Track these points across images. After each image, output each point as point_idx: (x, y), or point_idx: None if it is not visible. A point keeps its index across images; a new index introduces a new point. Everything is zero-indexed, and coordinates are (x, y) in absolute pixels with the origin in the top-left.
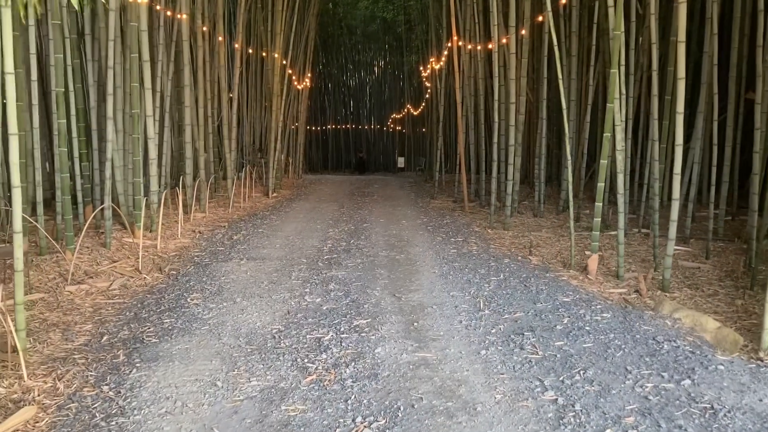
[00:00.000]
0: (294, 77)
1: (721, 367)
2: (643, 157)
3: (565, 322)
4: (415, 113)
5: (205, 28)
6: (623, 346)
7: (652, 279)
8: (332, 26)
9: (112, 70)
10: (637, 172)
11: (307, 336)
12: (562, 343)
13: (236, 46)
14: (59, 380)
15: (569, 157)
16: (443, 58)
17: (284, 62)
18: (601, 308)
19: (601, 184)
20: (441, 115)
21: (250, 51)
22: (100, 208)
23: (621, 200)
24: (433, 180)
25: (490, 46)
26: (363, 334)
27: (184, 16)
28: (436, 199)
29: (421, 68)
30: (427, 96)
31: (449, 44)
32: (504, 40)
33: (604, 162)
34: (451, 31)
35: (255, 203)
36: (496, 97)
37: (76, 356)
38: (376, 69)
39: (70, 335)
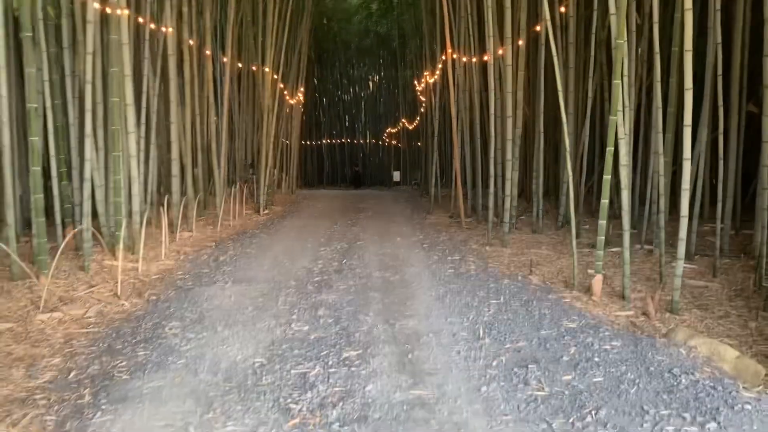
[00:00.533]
0: (286, 92)
1: (748, 407)
2: (644, 171)
3: (572, 352)
4: (410, 127)
5: (191, 42)
6: (637, 381)
7: (660, 300)
8: (327, 41)
9: (90, 85)
10: (638, 187)
11: (292, 371)
12: (569, 377)
13: (224, 60)
14: (13, 427)
15: (570, 172)
16: (437, 72)
17: (275, 77)
18: (609, 335)
19: (604, 201)
20: (436, 129)
21: (240, 65)
22: (77, 230)
23: (626, 218)
24: (428, 195)
25: (485, 57)
26: (353, 369)
27: (170, 29)
28: (432, 214)
29: (416, 82)
30: (422, 110)
31: (443, 57)
32: (500, 51)
33: (607, 177)
34: (445, 43)
35: (245, 221)
36: (491, 110)
37: (37, 397)
38: (370, 83)
39: (35, 371)
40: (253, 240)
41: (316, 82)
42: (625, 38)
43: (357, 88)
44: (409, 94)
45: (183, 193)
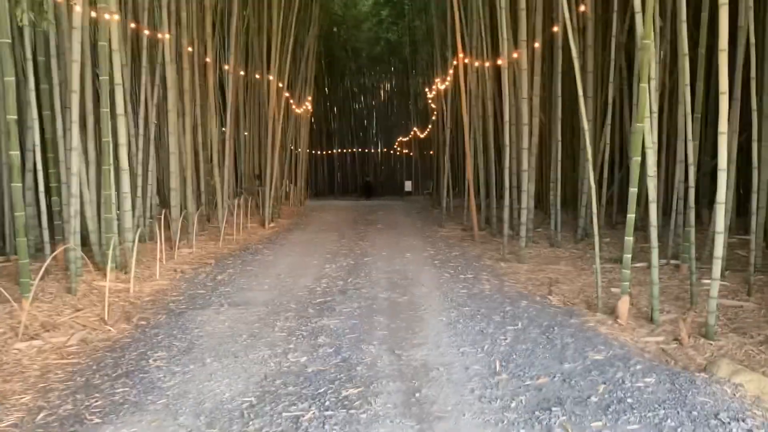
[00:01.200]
0: (292, 101)
1: None
2: (667, 181)
3: (601, 390)
4: (421, 136)
5: (190, 49)
6: (679, 430)
7: (692, 321)
8: (337, 49)
9: (77, 95)
10: (661, 197)
11: (284, 414)
12: (600, 423)
13: (226, 67)
14: None
15: (592, 184)
16: (449, 79)
17: (280, 85)
18: (641, 369)
19: (631, 216)
20: (448, 137)
21: (242, 73)
22: (61, 249)
23: (654, 234)
24: (440, 206)
25: (500, 62)
26: (352, 411)
27: (167, 36)
28: (443, 227)
29: (427, 90)
30: (433, 118)
31: (455, 62)
32: (515, 55)
33: (633, 190)
34: (456, 49)
35: (249, 235)
36: (506, 118)
37: None
38: (381, 92)
39: (1, 411)
40: (256, 256)
41: (327, 91)
42: (652, 38)
43: (368, 97)
44: (420, 103)
45: (184, 207)
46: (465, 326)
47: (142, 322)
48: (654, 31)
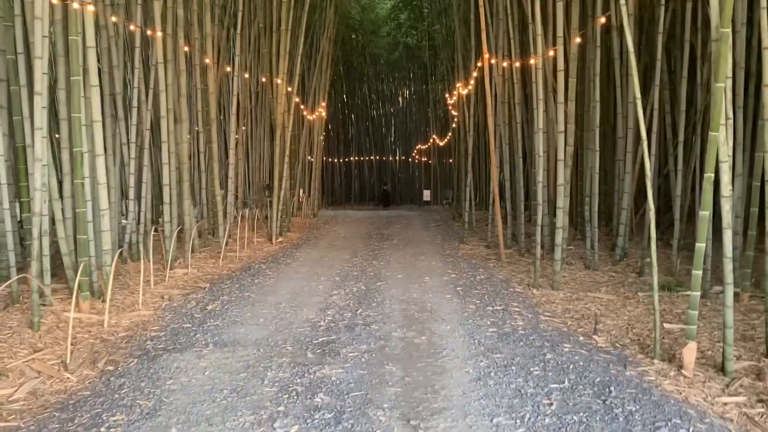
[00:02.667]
0: (303, 106)
1: None
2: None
3: None
4: (441, 144)
5: (186, 49)
6: None
7: None
8: (354, 54)
9: (42, 97)
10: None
11: None
12: None
13: (228, 69)
14: None
15: (651, 205)
16: (471, 83)
17: (289, 89)
18: None
19: (701, 245)
20: (470, 146)
21: (246, 76)
22: (18, 278)
23: (729, 267)
24: (461, 218)
25: (532, 61)
26: None
27: (159, 33)
28: (465, 243)
29: (447, 96)
30: (454, 125)
31: (480, 64)
32: (551, 53)
33: (705, 214)
34: (480, 50)
35: (255, 251)
36: (539, 125)
37: None
38: (400, 98)
39: None
40: (256, 279)
41: (345, 98)
42: (731, 27)
43: (386, 104)
44: (440, 109)
45: (181, 222)
46: (498, 383)
47: (110, 368)
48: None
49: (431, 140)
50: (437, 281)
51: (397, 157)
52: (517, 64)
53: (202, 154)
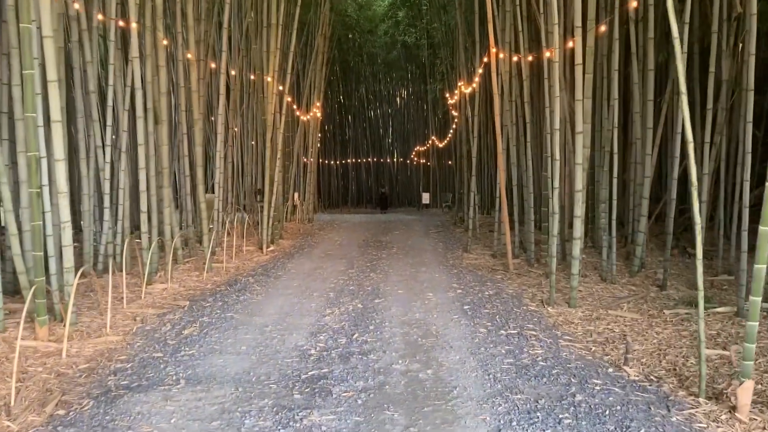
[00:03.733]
0: (296, 107)
1: None
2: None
3: None
4: (440, 145)
5: (165, 42)
6: None
7: None
8: (351, 54)
9: None
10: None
11: None
12: None
13: (213, 65)
14: None
15: (698, 216)
16: (476, 81)
17: (281, 87)
18: None
19: (761, 267)
20: (474, 146)
21: (234, 73)
22: None
23: None
24: (463, 224)
25: (547, 54)
26: None
27: (134, 25)
28: (469, 252)
29: (447, 95)
30: (454, 126)
31: (485, 59)
32: (571, 44)
33: (765, 230)
34: (486, 46)
35: (243, 262)
36: (555, 124)
37: None
38: (398, 99)
39: None
40: (242, 296)
41: (341, 98)
42: None
43: (384, 104)
44: (439, 110)
45: (161, 231)
46: None
47: (60, 412)
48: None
49: (430, 142)
50: (442, 298)
51: (395, 159)
52: (527, 59)
53: (186, 158)
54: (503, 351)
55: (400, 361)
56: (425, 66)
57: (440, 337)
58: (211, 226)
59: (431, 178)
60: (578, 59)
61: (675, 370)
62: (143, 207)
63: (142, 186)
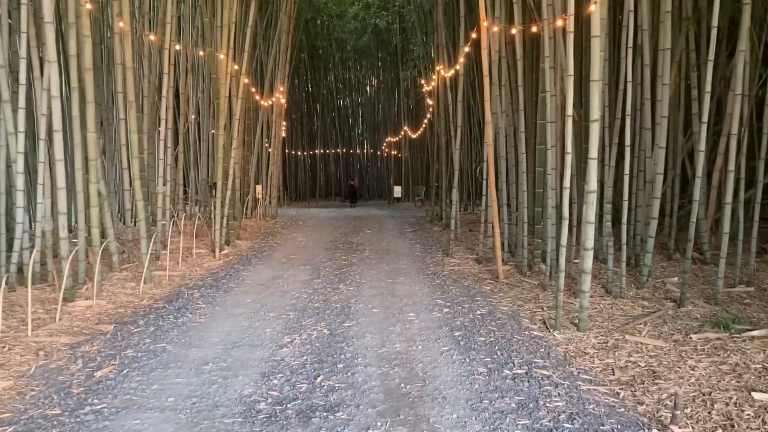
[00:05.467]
0: (258, 91)
1: None
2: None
3: None
4: (413, 136)
5: (89, 6)
6: None
7: None
8: (319, 39)
9: None
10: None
11: None
12: None
13: (152, 38)
14: None
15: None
16: (460, 61)
17: (236, 67)
18: None
19: None
20: (458, 136)
21: (179, 47)
22: None
23: None
24: (441, 222)
25: (559, 23)
26: None
27: None
28: (451, 256)
29: (423, 82)
30: (429, 116)
31: (474, 36)
32: (592, 6)
33: None
34: (472, 22)
35: (191, 268)
36: (568, 111)
37: None
38: (368, 87)
39: None
40: (181, 317)
41: (310, 87)
42: None
43: (354, 93)
44: (412, 99)
45: (87, 234)
46: None
47: None
48: None
49: (402, 132)
50: (426, 319)
51: (365, 150)
52: (527, 33)
53: (124, 147)
54: (513, 405)
55: (379, 424)
56: (397, 52)
57: (429, 382)
58: (163, 221)
59: (403, 170)
60: (595, 30)
61: (733, 427)
62: (62, 207)
63: (60, 181)
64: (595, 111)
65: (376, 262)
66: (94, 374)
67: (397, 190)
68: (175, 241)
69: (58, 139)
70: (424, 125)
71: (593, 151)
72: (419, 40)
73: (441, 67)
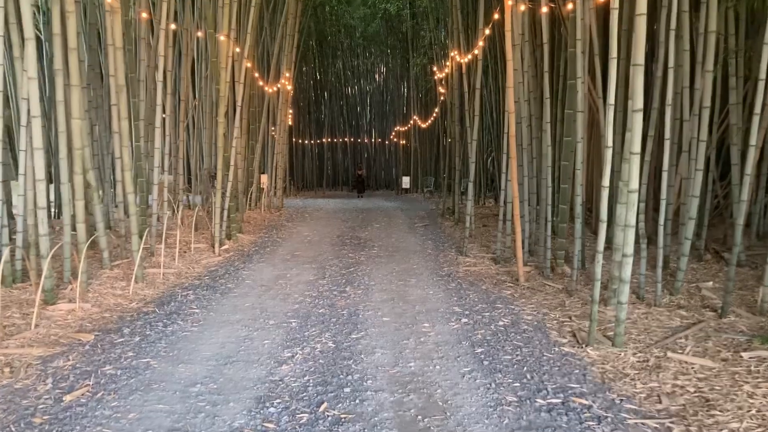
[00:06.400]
0: (262, 77)
1: None
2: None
3: None
4: (423, 125)
5: None
6: None
7: None
8: (329, 26)
9: None
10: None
11: None
12: None
13: (143, 15)
14: None
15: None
16: (480, 44)
17: (237, 50)
18: None
19: None
20: (476, 127)
21: (173, 26)
22: None
23: None
24: (453, 216)
25: None
26: None
27: None
28: (466, 255)
29: (435, 69)
30: (440, 105)
31: (496, 16)
32: None
33: None
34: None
35: (189, 266)
36: (609, 99)
37: None
38: (377, 75)
39: None
40: (171, 324)
41: (318, 75)
42: None
43: (362, 81)
44: (422, 87)
45: (73, 230)
46: None
47: None
48: None
49: (411, 121)
50: (442, 331)
51: (373, 139)
52: (560, 11)
53: (116, 135)
54: None
55: None
56: (407, 39)
57: (450, 414)
58: (158, 214)
59: (411, 160)
60: (640, 7)
61: None
62: (41, 202)
63: (39, 172)
64: (638, 99)
65: (385, 261)
66: (64, 397)
67: (406, 181)
68: (174, 234)
69: (36, 125)
70: (434, 114)
71: (635, 144)
72: (431, 26)
73: (455, 52)
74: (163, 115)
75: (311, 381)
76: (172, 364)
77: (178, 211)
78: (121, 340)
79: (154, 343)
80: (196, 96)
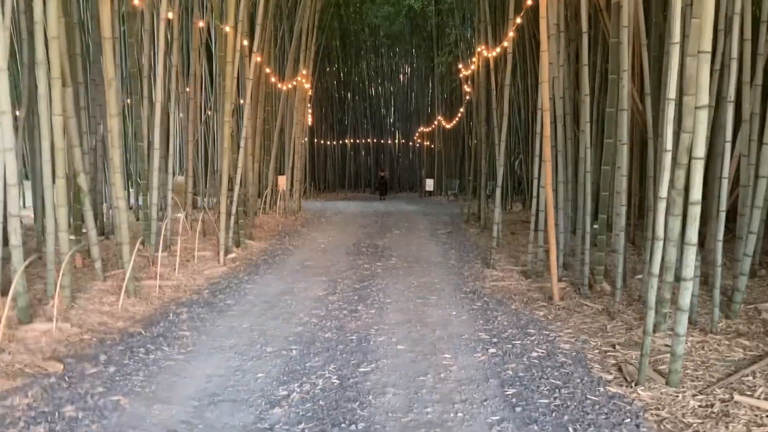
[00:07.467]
0: (269, 71)
1: None
2: None
3: None
4: (447, 126)
5: None
6: None
7: None
8: (351, 24)
9: None
10: None
11: None
12: None
13: (136, 2)
14: None
15: None
16: (507, 40)
17: (244, 43)
18: None
19: None
20: (505, 126)
21: (170, 15)
22: None
23: None
24: (479, 222)
25: None
26: None
27: None
28: (493, 267)
29: (461, 66)
30: (466, 104)
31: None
32: None
33: None
34: None
35: (190, 277)
36: (670, 93)
37: None
38: (401, 75)
39: None
40: (155, 351)
41: (341, 75)
42: None
43: (386, 81)
44: (446, 87)
45: (57, 240)
46: None
47: None
48: None
49: (435, 122)
50: (466, 364)
51: (397, 140)
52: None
53: (108, 134)
54: None
55: None
56: (432, 38)
57: None
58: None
59: (435, 162)
60: None
61: None
62: (12, 208)
63: (11, 177)
64: (704, 93)
65: (403, 274)
66: None
67: (429, 183)
68: (181, 241)
69: (6, 122)
70: (459, 115)
71: (698, 148)
72: (457, 22)
73: (482, 48)
74: (159, 114)
75: (307, 431)
76: (147, 404)
77: (183, 216)
78: (94, 370)
79: (131, 375)
80: (202, 94)
